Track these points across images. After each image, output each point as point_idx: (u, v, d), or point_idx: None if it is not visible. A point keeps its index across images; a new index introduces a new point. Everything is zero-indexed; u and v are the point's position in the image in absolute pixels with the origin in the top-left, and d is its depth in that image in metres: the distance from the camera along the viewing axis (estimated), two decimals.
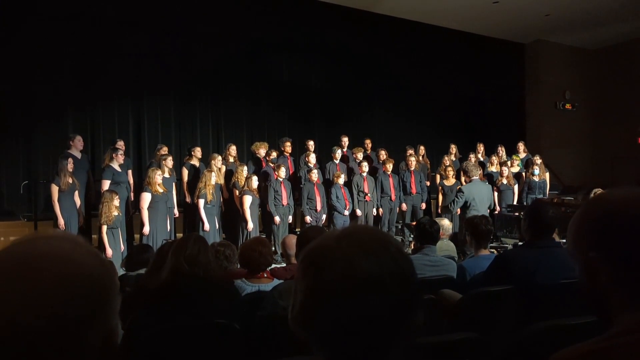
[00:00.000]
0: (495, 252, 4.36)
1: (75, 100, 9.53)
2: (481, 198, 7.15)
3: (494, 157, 10.38)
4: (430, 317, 2.84)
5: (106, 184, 7.40)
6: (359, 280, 0.86)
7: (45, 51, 9.00)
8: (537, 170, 9.77)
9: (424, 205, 9.74)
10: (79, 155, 7.84)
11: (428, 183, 10.18)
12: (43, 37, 8.97)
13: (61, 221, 6.97)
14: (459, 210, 7.58)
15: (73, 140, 7.87)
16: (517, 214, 8.58)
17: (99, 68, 9.51)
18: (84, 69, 9.41)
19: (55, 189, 7.01)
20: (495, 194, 9.62)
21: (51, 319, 0.73)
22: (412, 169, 9.63)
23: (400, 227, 9.80)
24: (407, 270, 0.92)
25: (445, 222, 5.38)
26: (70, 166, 7.19)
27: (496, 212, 9.38)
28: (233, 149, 9.16)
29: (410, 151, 10.07)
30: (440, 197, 9.44)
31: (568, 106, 14.87)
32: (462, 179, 9.96)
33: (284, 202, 8.41)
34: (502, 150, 10.69)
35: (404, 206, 9.57)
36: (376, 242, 0.92)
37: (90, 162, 8.54)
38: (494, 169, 10.16)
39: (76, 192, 7.28)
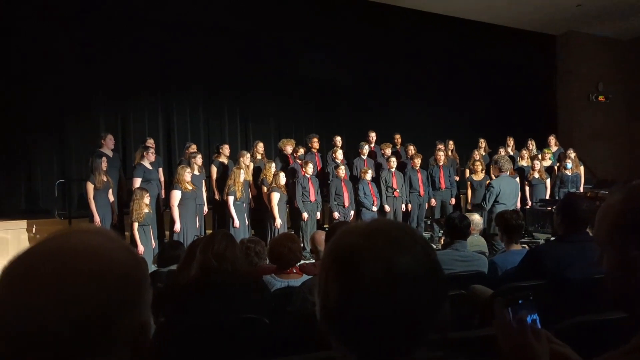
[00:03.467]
0: (527, 247, 4.30)
1: (106, 99, 9.72)
2: (509, 193, 7.02)
3: (524, 151, 10.22)
4: (461, 312, 2.81)
5: (137, 182, 7.51)
6: (398, 276, 0.86)
7: (76, 50, 9.17)
8: (569, 164, 9.57)
9: (453, 201, 9.64)
10: (110, 153, 7.97)
11: (457, 178, 10.06)
12: (74, 35, 9.15)
13: (97, 218, 7.10)
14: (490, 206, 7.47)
15: (104, 139, 8.01)
16: (549, 208, 8.42)
17: (128, 66, 9.66)
18: (114, 67, 9.57)
19: (90, 187, 7.15)
20: (527, 188, 9.49)
21: (84, 312, 0.74)
22: (441, 164, 9.54)
23: (429, 222, 9.72)
24: (437, 263, 0.92)
25: (476, 217, 5.31)
26: (104, 164, 7.32)
27: (527, 206, 9.23)
28: (261, 146, 9.19)
29: (440, 146, 9.97)
30: (470, 192, 9.33)
31: (601, 98, 14.52)
32: (492, 173, 9.83)
33: (312, 198, 8.41)
34: (532, 144, 10.51)
35: (433, 202, 9.49)
36: (407, 236, 0.92)
37: (121, 161, 8.69)
38: (524, 163, 10.00)
39: (110, 190, 7.42)
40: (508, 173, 7.34)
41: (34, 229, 7.95)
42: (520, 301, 1.15)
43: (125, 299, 0.79)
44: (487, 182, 9.03)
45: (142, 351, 0.82)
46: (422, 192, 9.32)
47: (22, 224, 7.95)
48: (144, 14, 9.65)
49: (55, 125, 9.30)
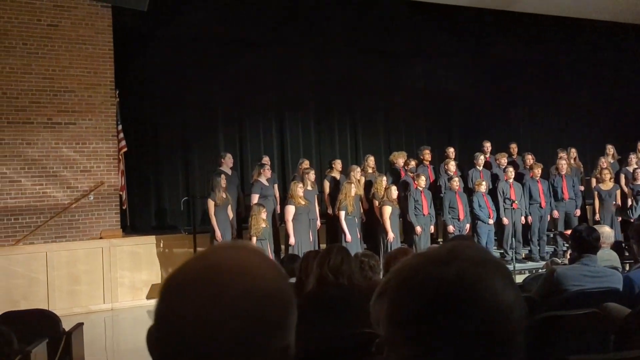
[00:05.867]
0: None
1: (225, 121, 10.29)
2: None
3: None
4: (595, 332, 2.62)
5: (255, 198, 7.84)
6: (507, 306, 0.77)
7: (198, 76, 9.81)
8: None
9: (578, 212, 9.02)
10: (229, 172, 8.40)
11: (582, 188, 9.41)
12: (195, 62, 9.78)
13: (218, 233, 7.51)
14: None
15: (224, 158, 8.46)
16: None
17: (245, 90, 10.15)
18: (232, 91, 10.11)
19: (211, 204, 7.59)
20: None
21: (236, 329, 0.74)
22: (564, 173, 8.98)
23: (552, 236, 9.17)
24: None
25: (606, 230, 4.91)
26: (223, 182, 7.74)
27: None
28: (371, 160, 9.21)
29: (561, 154, 9.40)
30: (597, 203, 8.70)
31: None
32: (622, 182, 9.08)
33: (425, 211, 8.27)
34: None
35: (556, 213, 8.94)
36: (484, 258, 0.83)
37: (239, 178, 9.12)
38: None
39: (229, 206, 7.81)
40: None
41: (161, 244, 8.55)
42: None
43: (272, 319, 0.77)
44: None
45: None
46: (543, 204, 8.82)
47: (152, 239, 8.58)
48: (258, 38, 10.10)
49: (181, 147, 9.99)
